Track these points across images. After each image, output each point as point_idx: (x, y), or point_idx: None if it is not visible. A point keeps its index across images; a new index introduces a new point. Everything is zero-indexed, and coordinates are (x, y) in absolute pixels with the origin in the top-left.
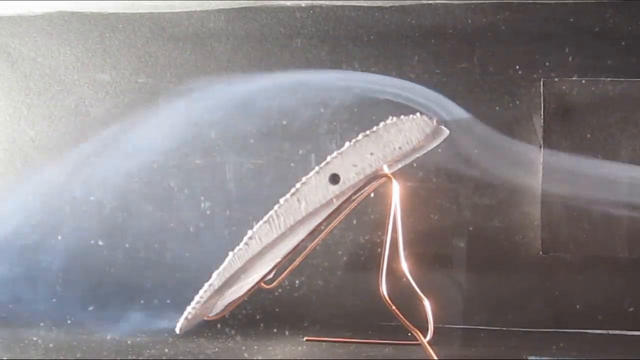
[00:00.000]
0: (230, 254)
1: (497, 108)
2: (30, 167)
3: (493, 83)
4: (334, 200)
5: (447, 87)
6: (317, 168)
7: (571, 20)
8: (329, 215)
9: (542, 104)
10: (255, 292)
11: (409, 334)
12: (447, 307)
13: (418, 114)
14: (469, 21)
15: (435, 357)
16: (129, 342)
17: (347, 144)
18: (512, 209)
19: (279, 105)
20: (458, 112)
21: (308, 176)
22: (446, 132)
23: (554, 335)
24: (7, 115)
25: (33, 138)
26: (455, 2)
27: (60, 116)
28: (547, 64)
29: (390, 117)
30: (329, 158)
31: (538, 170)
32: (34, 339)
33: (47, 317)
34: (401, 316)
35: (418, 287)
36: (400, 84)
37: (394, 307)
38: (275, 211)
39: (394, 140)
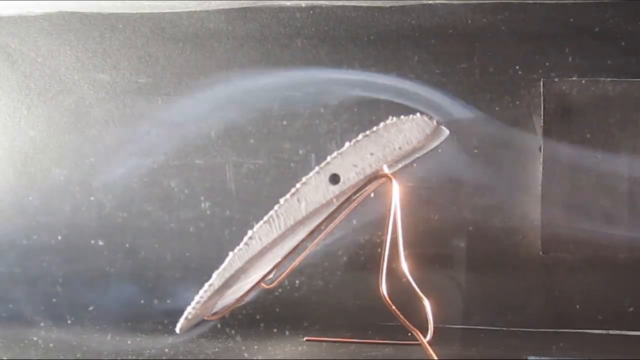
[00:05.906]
0: (230, 254)
1: (497, 108)
2: (30, 167)
3: (493, 83)
4: (334, 200)
5: (447, 87)
6: (317, 168)
7: (571, 20)
8: (329, 215)
9: (542, 104)
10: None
11: (409, 334)
12: (447, 307)
13: (418, 114)
14: (469, 21)
15: (435, 357)
16: (129, 342)
17: (347, 144)
18: (512, 209)
19: (279, 105)
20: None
21: (308, 176)
22: (446, 132)
23: (554, 335)
24: (7, 115)
25: (33, 138)
26: (455, 2)
27: (60, 116)
28: (547, 64)
29: (390, 117)
30: (329, 158)
31: (538, 170)
32: (34, 339)
33: (47, 317)
34: (401, 316)
35: (418, 287)
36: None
37: (394, 307)
38: (275, 211)
39: (394, 141)
